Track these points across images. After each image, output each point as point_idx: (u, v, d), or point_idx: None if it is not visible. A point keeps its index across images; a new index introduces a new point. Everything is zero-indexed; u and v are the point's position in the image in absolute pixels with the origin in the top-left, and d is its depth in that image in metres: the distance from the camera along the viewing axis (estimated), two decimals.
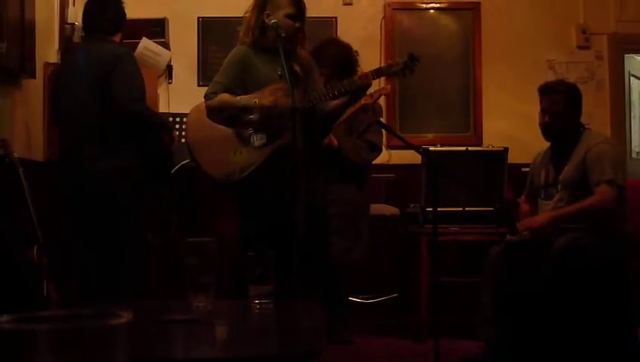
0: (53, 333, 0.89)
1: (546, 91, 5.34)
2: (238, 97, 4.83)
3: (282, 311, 3.00)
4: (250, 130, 4.81)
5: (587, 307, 4.85)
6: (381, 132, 6.15)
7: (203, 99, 4.97)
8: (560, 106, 5.24)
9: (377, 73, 4.93)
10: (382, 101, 6.47)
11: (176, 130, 6.37)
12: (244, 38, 4.94)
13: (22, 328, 0.90)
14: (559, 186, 5.21)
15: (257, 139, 4.80)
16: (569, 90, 5.35)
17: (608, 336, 4.89)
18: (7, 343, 0.90)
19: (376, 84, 5.86)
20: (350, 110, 5.32)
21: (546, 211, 5.20)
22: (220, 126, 4.87)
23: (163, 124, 5.60)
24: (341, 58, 5.89)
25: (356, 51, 6.25)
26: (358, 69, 6.02)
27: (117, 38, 5.49)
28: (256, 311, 2.87)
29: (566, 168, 5.19)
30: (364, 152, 6.05)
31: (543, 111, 5.31)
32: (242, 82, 4.87)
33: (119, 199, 5.21)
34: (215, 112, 4.85)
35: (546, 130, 5.32)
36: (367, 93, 5.24)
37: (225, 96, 4.82)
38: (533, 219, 5.21)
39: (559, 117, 5.24)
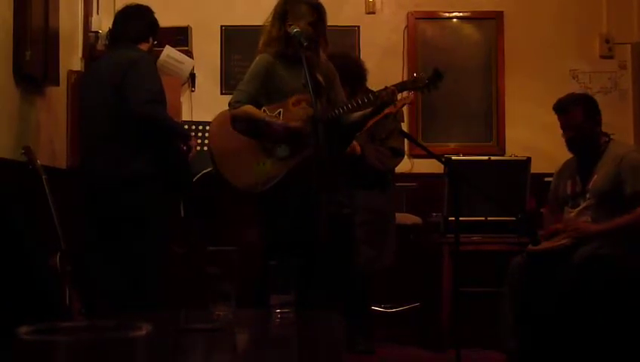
0: (73, 345, 0.89)
1: (561, 109, 5.33)
2: (263, 109, 4.83)
3: (303, 320, 3.00)
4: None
5: (609, 318, 4.82)
6: (403, 138, 6.14)
7: (225, 107, 4.98)
8: (578, 119, 5.23)
9: (402, 87, 4.94)
10: (404, 109, 6.46)
11: (199, 138, 6.38)
12: (265, 48, 4.95)
13: (42, 339, 0.91)
14: (587, 195, 5.19)
15: (281, 151, 4.81)
16: (583, 102, 5.34)
17: (631, 348, 4.86)
18: (27, 354, 0.90)
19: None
20: (374, 118, 5.32)
21: (593, 223, 5.15)
22: (243, 135, 4.88)
23: (177, 130, 5.57)
24: (340, 72, 5.77)
25: (360, 60, 6.26)
26: (366, 77, 6.03)
27: (144, 47, 5.50)
28: (277, 320, 2.87)
29: (596, 177, 5.17)
30: (387, 158, 6.05)
31: (564, 128, 5.31)
32: (266, 91, 4.88)
33: (135, 207, 5.20)
34: (239, 123, 4.86)
35: (571, 144, 5.31)
36: None
37: (250, 108, 4.81)
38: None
39: (579, 129, 5.23)
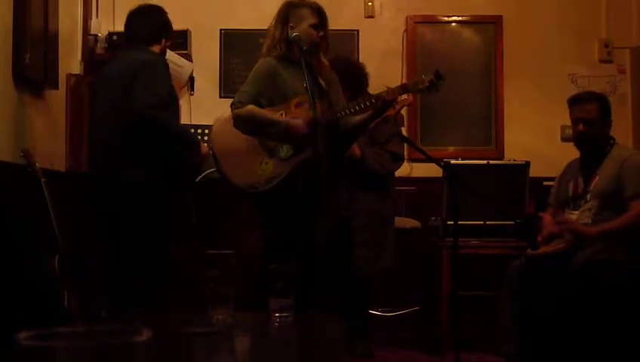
0: (73, 350, 0.89)
1: (578, 101, 5.33)
2: (265, 110, 4.84)
3: (301, 323, 3.00)
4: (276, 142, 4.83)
5: (608, 322, 4.82)
6: (403, 142, 6.15)
7: (225, 110, 4.99)
8: (592, 114, 5.24)
9: (403, 89, 4.94)
10: (404, 113, 6.47)
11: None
12: (269, 51, 4.96)
13: (41, 345, 0.91)
14: (588, 196, 5.19)
15: (284, 151, 4.81)
16: (600, 99, 5.36)
17: (631, 353, 4.86)
18: (26, 360, 0.90)
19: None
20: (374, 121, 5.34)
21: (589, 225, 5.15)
22: (245, 136, 4.89)
23: (184, 137, 5.50)
24: (341, 76, 5.73)
25: (361, 64, 6.27)
26: (367, 81, 6.04)
27: (156, 48, 5.46)
28: (276, 324, 2.87)
29: (598, 179, 5.17)
30: (387, 162, 6.06)
31: (576, 121, 5.29)
32: (268, 93, 4.89)
33: (138, 210, 5.18)
34: (242, 122, 4.87)
35: (581, 138, 5.30)
36: None
37: (252, 107, 4.83)
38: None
39: (592, 125, 5.23)
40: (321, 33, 4.89)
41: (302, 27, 4.85)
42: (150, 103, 5.06)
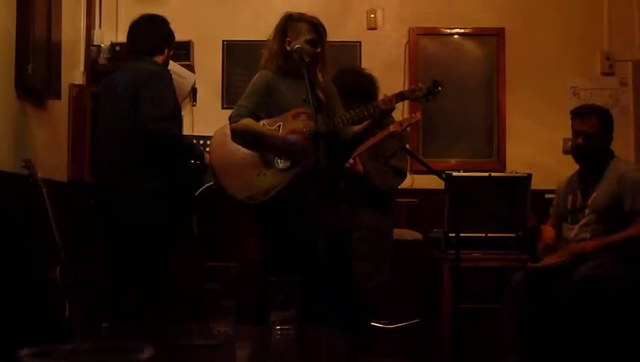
0: None
1: (580, 114, 5.32)
2: (262, 122, 4.85)
3: (304, 336, 2.99)
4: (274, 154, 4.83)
5: (610, 335, 4.81)
6: (406, 158, 6.13)
7: (227, 122, 4.99)
8: (594, 129, 5.22)
9: (400, 97, 4.95)
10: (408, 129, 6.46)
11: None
12: (267, 64, 4.97)
13: None
14: (587, 211, 5.18)
15: (281, 162, 4.82)
16: (603, 114, 5.34)
17: None
18: None
19: (405, 111, 5.85)
20: (379, 136, 5.34)
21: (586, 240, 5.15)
22: (244, 148, 4.89)
23: (190, 150, 5.52)
24: (351, 88, 5.72)
25: (372, 76, 6.25)
26: (378, 94, 6.02)
27: (159, 59, 5.47)
28: (278, 336, 2.86)
29: (595, 193, 5.16)
30: (389, 178, 6.03)
31: (576, 134, 5.28)
32: (266, 106, 4.89)
33: (143, 224, 5.18)
34: (239, 136, 4.88)
35: (579, 152, 5.28)
36: (397, 120, 5.23)
37: (249, 121, 4.84)
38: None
39: (593, 139, 5.22)
40: (318, 50, 4.89)
41: (298, 42, 4.85)
42: (158, 115, 5.09)
